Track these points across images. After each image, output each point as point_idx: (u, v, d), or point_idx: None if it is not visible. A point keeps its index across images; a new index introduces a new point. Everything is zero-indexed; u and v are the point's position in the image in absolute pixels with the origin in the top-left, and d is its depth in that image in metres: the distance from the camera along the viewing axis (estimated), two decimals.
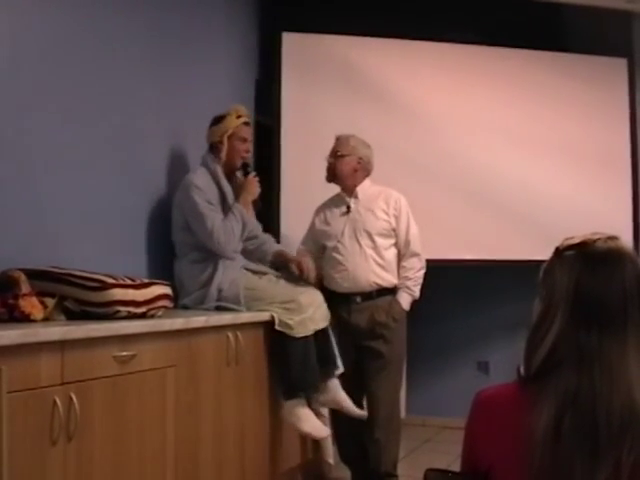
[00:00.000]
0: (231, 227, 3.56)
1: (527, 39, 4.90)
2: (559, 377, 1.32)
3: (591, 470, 1.26)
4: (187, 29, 3.98)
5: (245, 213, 3.66)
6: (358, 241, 3.86)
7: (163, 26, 3.76)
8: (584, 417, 1.28)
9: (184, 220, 3.57)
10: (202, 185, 3.55)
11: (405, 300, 3.87)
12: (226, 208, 3.62)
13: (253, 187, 3.73)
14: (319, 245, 4.00)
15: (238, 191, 3.71)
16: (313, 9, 4.63)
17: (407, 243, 3.88)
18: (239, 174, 3.77)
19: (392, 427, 3.85)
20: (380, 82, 4.79)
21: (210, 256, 3.55)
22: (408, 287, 3.87)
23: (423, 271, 3.92)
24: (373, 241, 3.85)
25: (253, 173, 3.77)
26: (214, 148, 3.67)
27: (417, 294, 3.90)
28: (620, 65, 5.13)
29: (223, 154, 3.64)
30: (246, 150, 3.72)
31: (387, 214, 3.88)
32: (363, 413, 3.68)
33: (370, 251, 3.85)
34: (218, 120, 3.67)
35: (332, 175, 3.96)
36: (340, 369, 3.66)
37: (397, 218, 3.88)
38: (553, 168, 4.95)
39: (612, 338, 1.32)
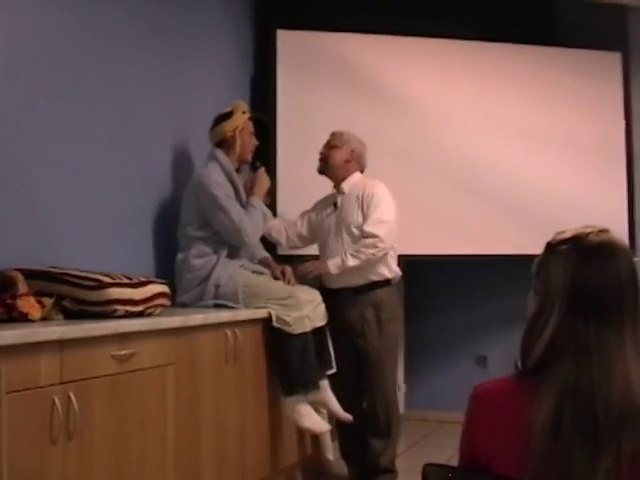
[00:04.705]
0: (256, 220, 3.65)
1: (522, 34, 4.91)
2: (557, 370, 1.32)
3: (591, 461, 1.26)
4: (182, 26, 3.98)
5: (264, 206, 3.77)
6: (341, 237, 3.86)
7: (158, 23, 3.76)
8: (583, 409, 1.29)
9: (197, 215, 3.59)
10: (220, 180, 3.59)
11: (332, 262, 3.76)
12: (239, 201, 3.67)
13: (264, 180, 3.84)
14: (311, 230, 4.06)
15: (250, 185, 3.80)
16: (308, 6, 4.63)
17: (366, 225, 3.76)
18: (247, 168, 3.85)
19: (390, 424, 3.84)
20: (375, 78, 4.79)
21: (212, 252, 3.58)
22: (346, 255, 3.73)
23: (373, 250, 3.72)
24: (353, 236, 3.82)
25: (262, 167, 3.89)
26: (224, 143, 3.70)
27: (349, 263, 3.72)
28: (615, 59, 5.14)
29: (237, 148, 3.69)
30: (254, 144, 3.80)
31: (361, 206, 3.83)
32: (348, 417, 3.65)
33: (352, 246, 3.81)
34: (226, 116, 3.71)
35: (324, 165, 3.97)
36: (333, 369, 3.67)
37: (368, 207, 3.79)
38: (549, 161, 4.96)
39: (609, 329, 1.33)
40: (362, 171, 4.01)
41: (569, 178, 4.98)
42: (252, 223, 3.63)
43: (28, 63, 2.91)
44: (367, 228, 3.77)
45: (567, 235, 1.41)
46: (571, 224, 1.45)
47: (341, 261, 3.76)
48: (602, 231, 1.41)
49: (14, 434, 2.04)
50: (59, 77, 3.07)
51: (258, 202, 3.74)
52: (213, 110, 3.79)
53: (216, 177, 3.59)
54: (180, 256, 3.62)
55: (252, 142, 3.78)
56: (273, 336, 3.48)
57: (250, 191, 3.78)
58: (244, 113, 3.76)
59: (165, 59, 3.81)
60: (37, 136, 2.95)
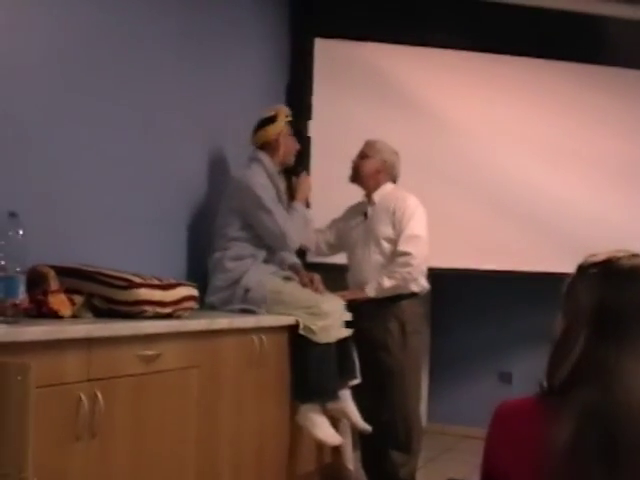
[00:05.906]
0: (298, 224, 3.67)
1: (560, 51, 4.88)
2: (580, 392, 1.32)
3: None
4: (219, 32, 4.01)
5: (307, 211, 3.81)
6: (368, 248, 3.86)
7: (195, 28, 3.79)
8: (604, 433, 1.28)
9: (238, 217, 3.59)
10: (264, 182, 3.62)
11: (369, 287, 3.78)
12: (281, 205, 3.69)
13: (307, 185, 3.89)
14: (339, 238, 4.06)
15: (293, 189, 3.83)
16: (345, 16, 4.65)
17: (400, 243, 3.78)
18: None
19: (411, 437, 3.81)
20: (409, 90, 4.79)
21: (250, 254, 3.60)
22: (381, 277, 3.76)
23: (408, 269, 3.75)
24: (381, 247, 3.83)
25: (305, 172, 3.93)
26: (267, 147, 3.72)
27: (386, 285, 3.74)
28: None
29: (280, 152, 3.72)
30: (297, 148, 3.85)
31: (393, 218, 3.83)
32: (367, 428, 3.61)
33: (379, 257, 3.82)
34: (270, 120, 3.74)
35: (355, 175, 3.98)
36: (357, 379, 3.65)
37: (400, 222, 3.80)
38: (581, 181, 4.92)
39: (635, 354, 1.32)
40: (394, 181, 4.01)
41: (602, 198, 4.92)
42: (295, 227, 3.64)
43: (63, 64, 2.94)
44: (399, 247, 3.78)
45: (598, 258, 1.40)
46: (602, 245, 1.45)
47: (377, 284, 3.77)
48: (634, 256, 1.40)
49: (39, 429, 2.05)
50: (95, 78, 3.10)
51: (301, 207, 3.76)
52: (248, 114, 3.83)
53: (260, 179, 3.62)
54: (217, 255, 3.61)
55: (295, 146, 3.83)
56: (296, 343, 3.48)
57: (292, 195, 3.80)
58: (287, 117, 3.79)
59: (201, 63, 3.85)
60: (71, 135, 2.99)
